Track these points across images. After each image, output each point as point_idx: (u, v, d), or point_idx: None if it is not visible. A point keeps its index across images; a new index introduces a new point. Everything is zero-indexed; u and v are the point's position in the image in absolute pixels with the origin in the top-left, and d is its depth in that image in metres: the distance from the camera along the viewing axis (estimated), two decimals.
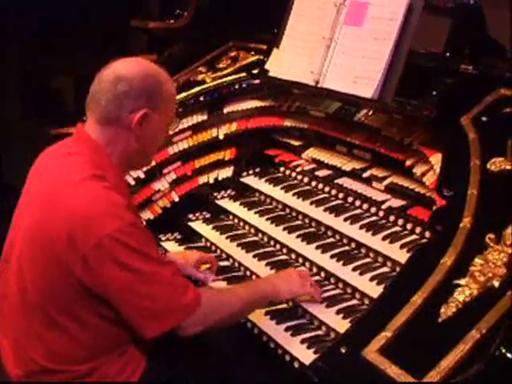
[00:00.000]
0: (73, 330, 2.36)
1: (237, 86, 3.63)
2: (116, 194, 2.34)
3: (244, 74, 3.63)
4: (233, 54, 3.87)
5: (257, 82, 3.58)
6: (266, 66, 3.45)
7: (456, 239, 2.10)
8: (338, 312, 2.66)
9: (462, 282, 1.96)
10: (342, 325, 2.58)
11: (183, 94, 3.62)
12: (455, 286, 1.96)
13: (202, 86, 3.67)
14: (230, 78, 3.67)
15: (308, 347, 2.56)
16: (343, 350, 1.93)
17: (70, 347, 2.38)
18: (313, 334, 2.65)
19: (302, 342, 2.60)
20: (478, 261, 1.99)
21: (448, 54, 2.67)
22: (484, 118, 2.54)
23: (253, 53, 3.77)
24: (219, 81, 3.67)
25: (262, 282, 2.79)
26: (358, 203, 3.10)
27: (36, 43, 4.35)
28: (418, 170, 2.81)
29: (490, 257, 2.00)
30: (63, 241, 2.26)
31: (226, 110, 3.65)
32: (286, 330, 2.68)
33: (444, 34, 2.67)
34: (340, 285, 2.80)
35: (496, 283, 1.93)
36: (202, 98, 3.63)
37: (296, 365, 2.53)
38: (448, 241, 2.10)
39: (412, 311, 1.93)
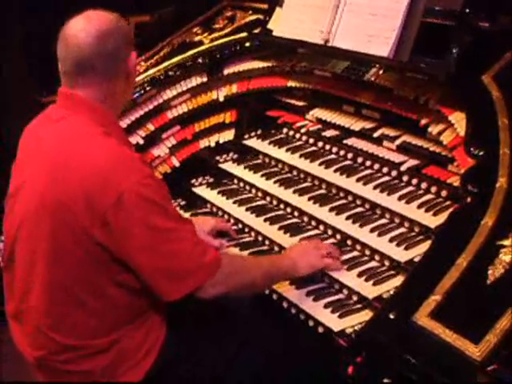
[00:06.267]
0: (91, 302, 2.31)
1: (238, 47, 3.56)
2: (128, 149, 2.36)
3: (244, 34, 3.54)
4: (229, 13, 3.76)
5: (258, 42, 3.50)
6: (269, 26, 3.37)
7: (494, 199, 2.07)
8: (359, 275, 2.64)
9: (506, 242, 1.94)
10: (364, 287, 2.57)
11: (180, 56, 3.55)
12: (499, 246, 1.94)
13: (200, 48, 3.58)
14: (229, 38, 3.59)
15: (332, 312, 2.54)
16: (392, 316, 1.90)
17: (90, 321, 2.33)
18: (335, 297, 2.63)
19: (326, 306, 2.58)
20: None
21: (467, 11, 2.61)
22: (505, 76, 2.51)
23: (250, 12, 3.67)
24: (219, 41, 3.59)
25: (282, 256, 2.75)
26: (368, 163, 3.05)
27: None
28: (433, 129, 2.77)
29: None
30: (79, 203, 2.19)
31: (226, 72, 3.58)
32: (308, 294, 2.65)
33: None
34: (358, 247, 2.78)
35: None
36: (200, 60, 3.55)
37: (320, 330, 2.50)
38: (486, 201, 2.08)
39: (459, 274, 1.90)
